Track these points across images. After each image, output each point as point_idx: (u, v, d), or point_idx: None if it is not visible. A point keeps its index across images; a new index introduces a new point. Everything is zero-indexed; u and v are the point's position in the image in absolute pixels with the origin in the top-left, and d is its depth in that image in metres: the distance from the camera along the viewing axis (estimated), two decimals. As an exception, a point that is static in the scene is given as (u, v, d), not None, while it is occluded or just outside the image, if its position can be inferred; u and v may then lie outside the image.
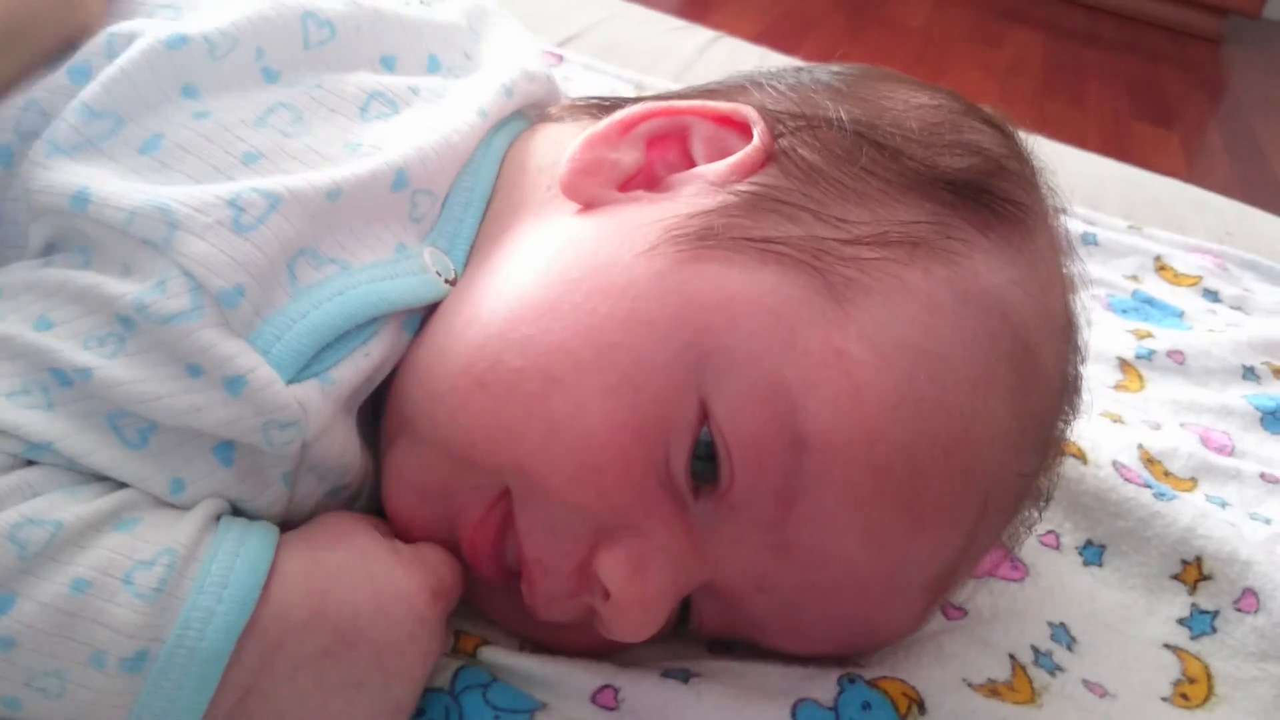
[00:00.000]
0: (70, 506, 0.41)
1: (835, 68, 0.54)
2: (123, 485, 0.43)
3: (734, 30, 1.32)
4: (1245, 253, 0.95)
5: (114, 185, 0.44)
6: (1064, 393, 0.51)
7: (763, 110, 0.50)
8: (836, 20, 2.64)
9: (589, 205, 0.48)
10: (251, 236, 0.43)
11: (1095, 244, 0.92)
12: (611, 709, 0.47)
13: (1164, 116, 2.55)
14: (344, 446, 0.47)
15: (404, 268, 0.48)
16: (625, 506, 0.44)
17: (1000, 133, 0.51)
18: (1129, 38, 3.05)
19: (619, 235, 0.46)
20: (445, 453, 0.46)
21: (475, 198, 0.51)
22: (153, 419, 0.42)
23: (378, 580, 0.44)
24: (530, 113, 0.57)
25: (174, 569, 0.41)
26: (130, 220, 0.43)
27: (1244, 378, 0.78)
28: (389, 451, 0.48)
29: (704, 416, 0.43)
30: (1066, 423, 0.52)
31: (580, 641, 0.49)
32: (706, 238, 0.45)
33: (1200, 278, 0.90)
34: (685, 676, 0.49)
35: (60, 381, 0.42)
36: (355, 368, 0.45)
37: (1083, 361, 0.53)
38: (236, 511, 0.45)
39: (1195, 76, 2.88)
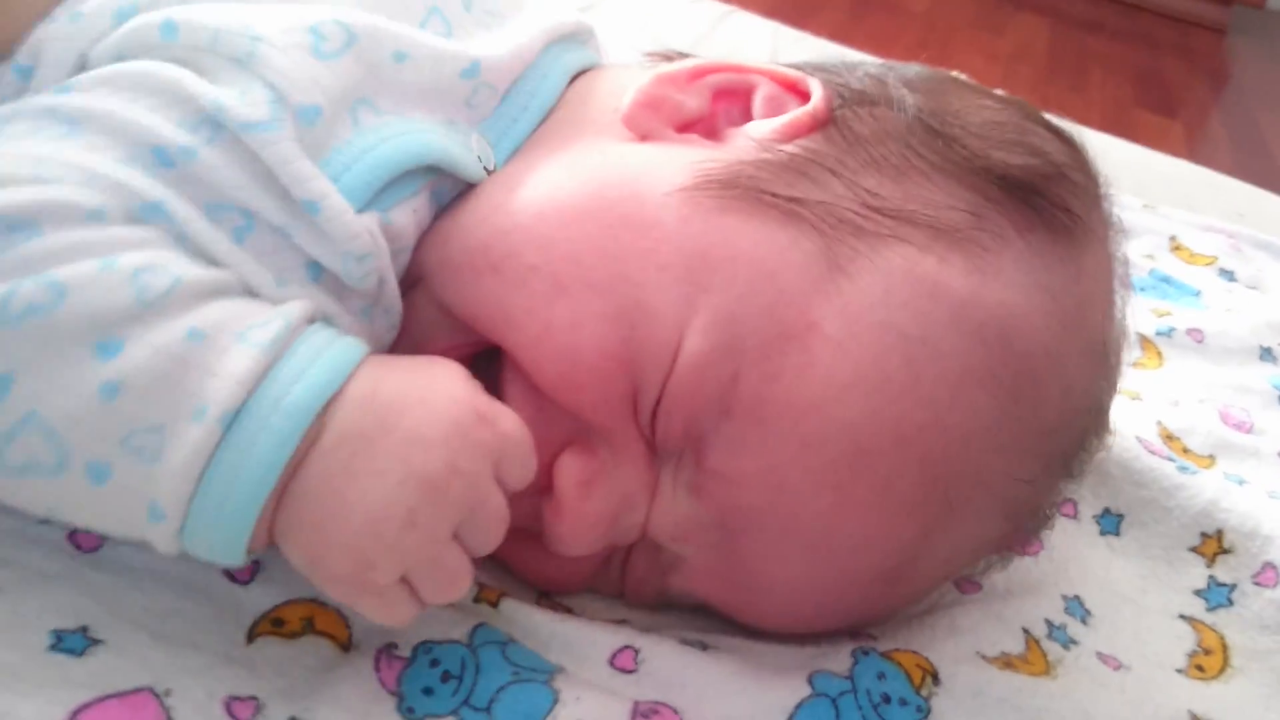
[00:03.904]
0: (189, 267, 0.39)
1: (918, 68, 0.54)
2: None
3: (744, 7, 1.31)
4: (1260, 233, 0.94)
5: (197, 11, 0.44)
6: (1085, 413, 0.49)
7: (831, 85, 0.50)
8: (841, 3, 2.63)
9: (644, 138, 0.50)
10: (329, 64, 0.44)
11: (1109, 222, 0.91)
12: (630, 671, 0.47)
13: (1167, 105, 2.55)
14: (395, 283, 0.47)
15: (454, 137, 0.48)
16: (601, 425, 0.45)
17: (1069, 146, 0.50)
18: (1133, 26, 3.04)
19: (659, 169, 0.47)
20: (446, 312, 0.47)
21: (536, 104, 0.52)
22: (251, 208, 0.42)
23: (434, 379, 0.42)
24: (590, 43, 0.58)
25: (289, 329, 0.39)
26: (215, 37, 0.43)
27: (1261, 359, 0.78)
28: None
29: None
30: (1086, 449, 0.51)
31: (544, 568, 0.49)
32: (734, 187, 0.45)
33: (1216, 257, 0.90)
34: (703, 646, 0.49)
35: (162, 161, 0.41)
36: (406, 215, 0.46)
37: (1115, 392, 0.51)
38: None
39: (1199, 66, 2.88)
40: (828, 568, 0.46)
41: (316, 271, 0.44)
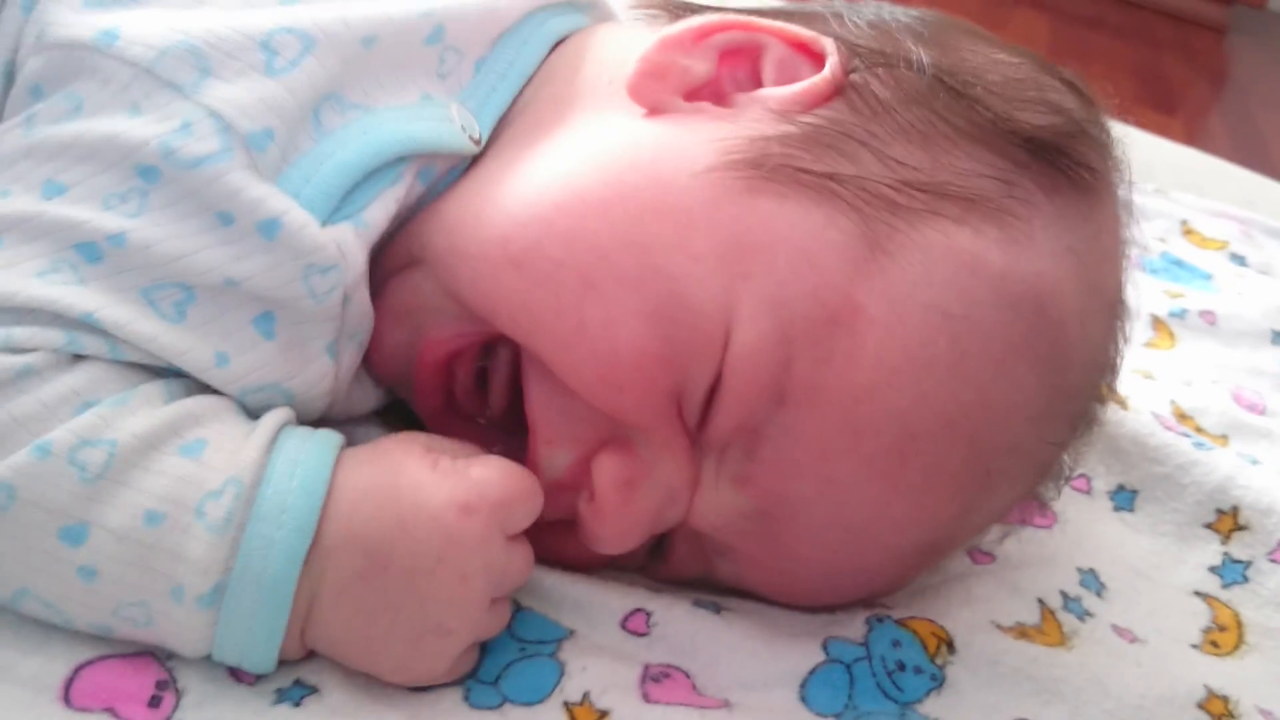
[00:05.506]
0: (124, 422, 0.40)
1: (915, 12, 0.52)
2: (172, 387, 0.42)
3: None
4: (1270, 219, 0.94)
5: (144, 24, 0.42)
6: (1104, 370, 0.49)
7: (842, 43, 0.48)
8: (843, -7, 2.62)
9: (653, 110, 0.47)
10: (284, 79, 0.42)
11: (1121, 205, 0.91)
12: (642, 634, 0.47)
13: (1167, 103, 2.55)
14: (368, 294, 0.46)
15: (429, 113, 0.47)
16: (641, 424, 0.44)
17: (1081, 97, 0.50)
18: (1134, 24, 3.04)
19: (678, 149, 0.45)
20: (453, 299, 0.46)
21: (515, 71, 0.50)
22: (189, 281, 0.41)
23: (402, 497, 0.41)
24: (590, 11, 0.56)
25: (240, 499, 0.40)
26: (159, 59, 0.41)
27: (1272, 342, 0.78)
28: (385, 284, 0.47)
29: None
30: (1101, 402, 0.51)
31: (566, 551, 0.48)
32: (762, 166, 0.44)
33: (1227, 242, 0.90)
34: (716, 608, 0.49)
35: (89, 257, 0.40)
36: (385, 210, 0.45)
37: (1126, 342, 0.51)
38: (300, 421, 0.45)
39: (1199, 65, 2.88)
40: (871, 551, 0.46)
41: (268, 325, 0.42)
